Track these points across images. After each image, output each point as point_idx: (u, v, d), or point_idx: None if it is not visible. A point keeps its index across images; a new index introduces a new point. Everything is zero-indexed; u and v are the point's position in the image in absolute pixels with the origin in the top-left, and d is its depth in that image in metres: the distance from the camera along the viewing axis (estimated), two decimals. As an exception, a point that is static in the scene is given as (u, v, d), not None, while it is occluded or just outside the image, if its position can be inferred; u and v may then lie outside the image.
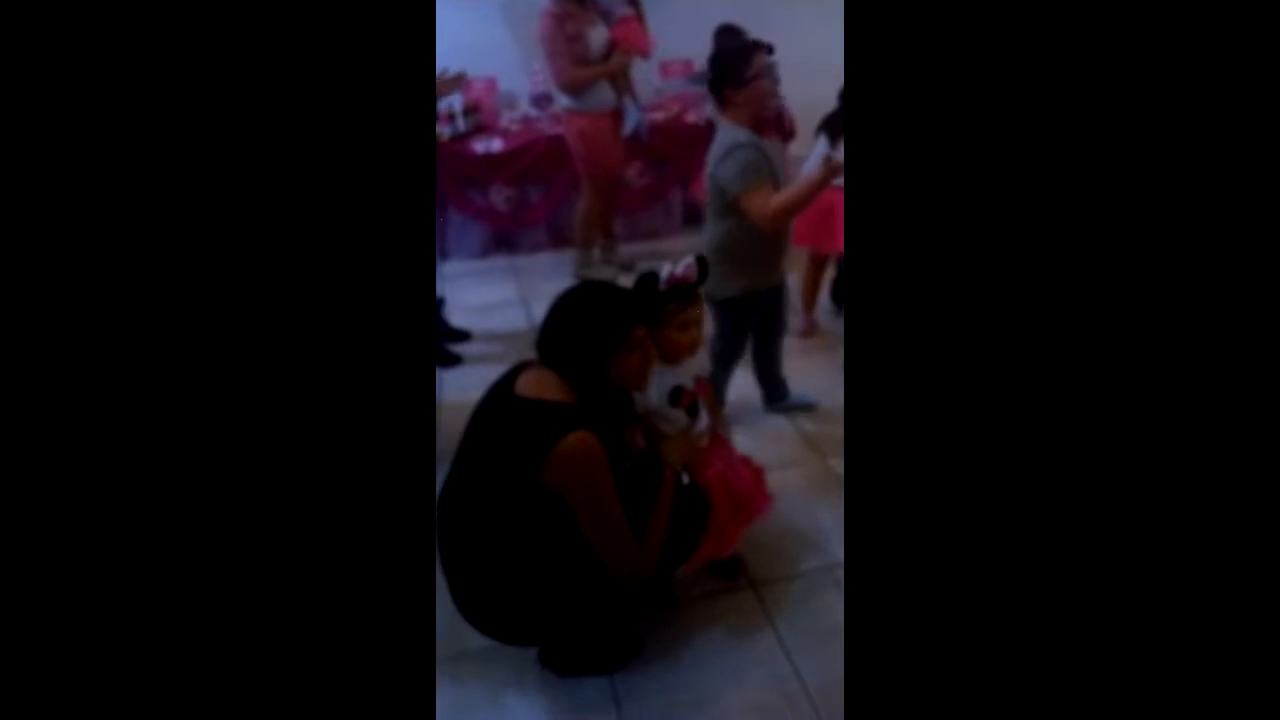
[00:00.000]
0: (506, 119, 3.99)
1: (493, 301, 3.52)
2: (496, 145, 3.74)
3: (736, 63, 2.05)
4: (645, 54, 3.38)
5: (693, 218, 4.34)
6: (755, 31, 3.53)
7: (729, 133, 2.07)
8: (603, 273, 3.62)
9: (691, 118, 3.99)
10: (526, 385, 1.50)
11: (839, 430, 2.55)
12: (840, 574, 1.94)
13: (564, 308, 1.52)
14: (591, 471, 1.42)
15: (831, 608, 1.85)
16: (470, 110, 3.82)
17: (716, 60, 2.13)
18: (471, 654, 1.73)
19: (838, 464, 2.37)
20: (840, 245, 2.84)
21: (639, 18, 3.32)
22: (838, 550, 2.02)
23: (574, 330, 1.49)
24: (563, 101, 3.33)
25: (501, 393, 1.53)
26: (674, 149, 3.97)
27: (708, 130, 3.94)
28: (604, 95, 3.28)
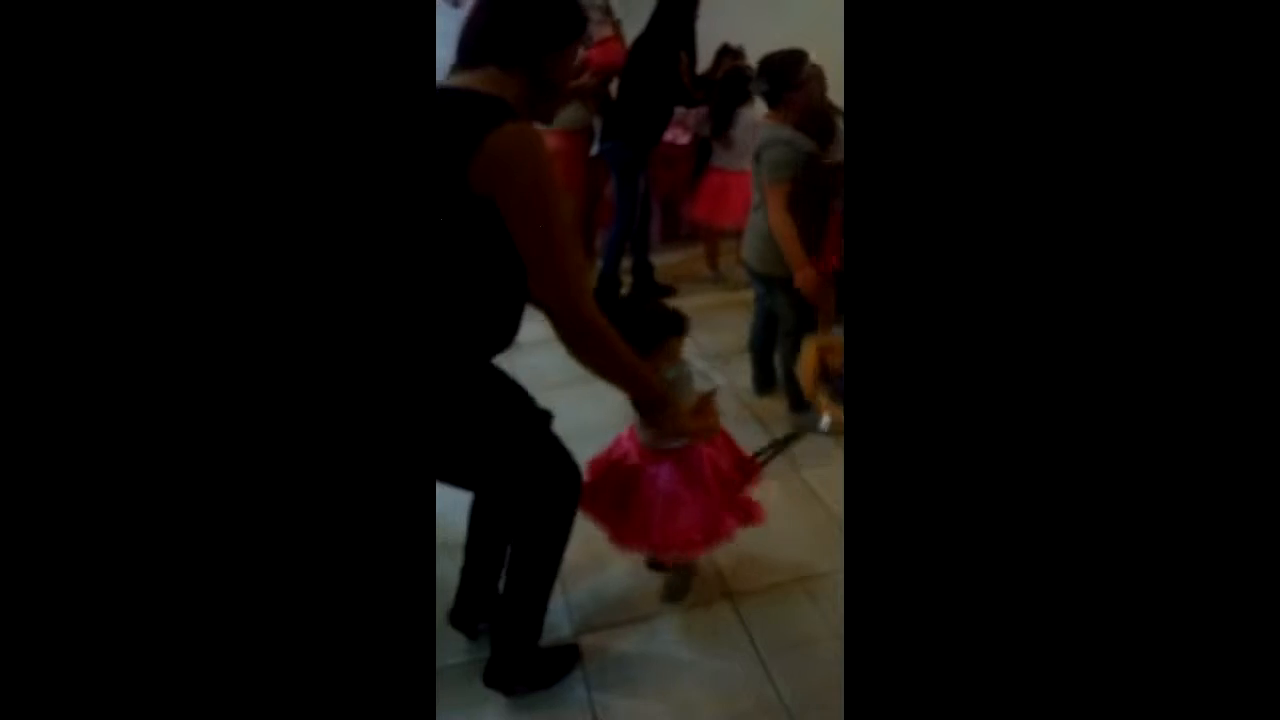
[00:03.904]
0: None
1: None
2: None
3: (793, 66, 2.35)
4: (619, 68, 3.43)
5: (673, 234, 4.38)
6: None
7: (772, 129, 2.38)
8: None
9: (669, 136, 4.01)
10: (454, 79, 1.32)
11: (813, 443, 2.59)
12: (813, 584, 1.98)
13: None
14: (534, 165, 1.21)
15: (806, 617, 1.88)
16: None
17: (770, 66, 2.38)
18: (449, 669, 1.74)
19: (811, 475, 2.41)
20: (730, 221, 3.43)
21: (618, 38, 3.36)
22: (812, 561, 2.05)
23: (530, 9, 1.31)
24: (534, 118, 3.36)
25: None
26: (652, 167, 3.99)
27: (687, 149, 3.99)
28: (575, 114, 3.32)
